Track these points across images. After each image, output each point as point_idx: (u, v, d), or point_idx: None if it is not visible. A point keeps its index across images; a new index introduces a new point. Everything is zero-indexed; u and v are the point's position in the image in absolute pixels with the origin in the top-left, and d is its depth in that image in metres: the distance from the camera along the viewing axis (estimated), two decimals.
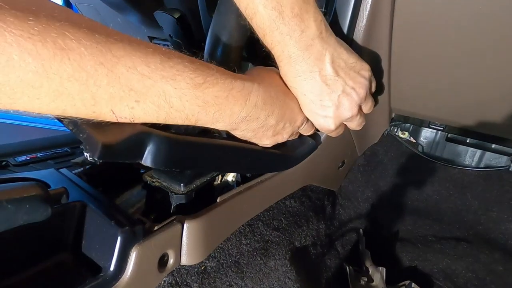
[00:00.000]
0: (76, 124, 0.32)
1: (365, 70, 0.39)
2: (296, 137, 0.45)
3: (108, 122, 0.27)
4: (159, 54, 0.25)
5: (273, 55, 0.35)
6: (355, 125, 0.42)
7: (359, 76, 0.38)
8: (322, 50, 0.34)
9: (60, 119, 0.37)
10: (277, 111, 0.35)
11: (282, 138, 0.40)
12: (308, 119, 0.40)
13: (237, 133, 0.36)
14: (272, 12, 0.31)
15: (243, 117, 0.32)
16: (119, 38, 0.23)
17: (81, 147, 0.30)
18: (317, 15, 0.33)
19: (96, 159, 0.28)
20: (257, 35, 0.34)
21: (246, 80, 0.32)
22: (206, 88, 0.28)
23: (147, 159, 0.32)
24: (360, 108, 0.40)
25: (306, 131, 0.43)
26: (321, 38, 0.34)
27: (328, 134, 0.43)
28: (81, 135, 0.31)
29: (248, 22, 0.34)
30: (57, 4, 0.23)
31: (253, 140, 0.38)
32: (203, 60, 0.45)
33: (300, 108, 0.38)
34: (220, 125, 0.32)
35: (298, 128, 0.41)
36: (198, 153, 0.37)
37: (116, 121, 0.26)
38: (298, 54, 0.33)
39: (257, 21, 0.32)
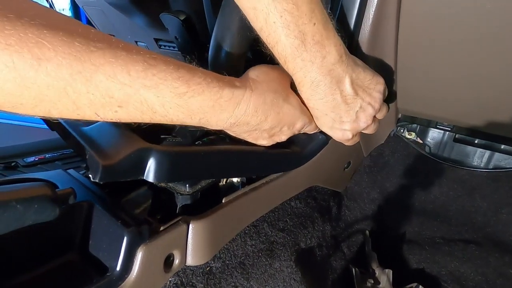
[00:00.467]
0: (78, 145, 0.33)
1: (380, 84, 0.40)
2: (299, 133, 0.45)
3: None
4: (142, 62, 0.25)
5: (293, 80, 0.36)
6: (370, 131, 0.43)
7: (374, 91, 0.39)
8: (342, 73, 0.35)
9: (63, 138, 0.38)
10: (271, 117, 0.35)
11: (280, 139, 0.39)
12: (310, 121, 0.40)
13: (231, 133, 0.36)
14: (294, 41, 0.31)
15: (232, 123, 0.32)
16: (100, 45, 0.23)
17: (84, 166, 0.31)
18: (336, 40, 0.33)
19: (97, 181, 0.29)
20: (278, 60, 0.34)
21: (237, 87, 0.31)
22: (190, 97, 0.27)
23: (148, 175, 0.32)
24: (374, 117, 0.41)
25: (310, 131, 0.43)
26: (341, 62, 0.34)
27: (345, 143, 0.44)
28: (83, 156, 0.31)
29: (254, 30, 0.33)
30: (38, 6, 0.22)
31: (249, 140, 0.38)
32: (208, 61, 0.45)
33: (301, 112, 0.38)
34: (208, 127, 0.32)
35: (298, 130, 0.41)
36: (200, 163, 0.37)
37: (103, 120, 0.26)
38: (320, 79, 0.34)
39: (278, 49, 0.32)
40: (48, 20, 0.22)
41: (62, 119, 0.26)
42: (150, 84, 0.25)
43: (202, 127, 0.32)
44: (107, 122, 0.37)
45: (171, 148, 0.33)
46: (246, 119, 0.33)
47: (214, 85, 0.29)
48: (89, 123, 0.39)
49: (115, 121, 0.27)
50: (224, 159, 0.39)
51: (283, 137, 0.39)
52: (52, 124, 0.41)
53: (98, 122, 0.38)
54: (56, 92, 0.22)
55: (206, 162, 0.37)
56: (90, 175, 0.29)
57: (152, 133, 0.40)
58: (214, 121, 0.31)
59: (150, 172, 0.32)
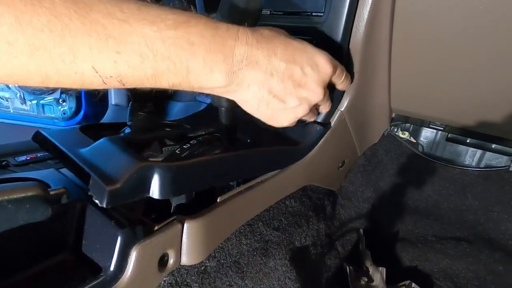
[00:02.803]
0: (78, 168, 0.32)
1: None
2: (328, 103, 0.40)
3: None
4: (135, 3, 0.25)
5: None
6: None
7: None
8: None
9: (62, 163, 0.37)
10: (280, 51, 0.31)
11: (313, 93, 0.33)
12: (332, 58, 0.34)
13: (250, 99, 0.32)
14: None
15: (239, 60, 0.29)
16: None
17: (89, 193, 0.31)
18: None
19: (105, 206, 0.29)
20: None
21: (230, 25, 0.30)
22: (188, 27, 0.27)
23: (154, 192, 0.32)
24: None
25: (340, 82, 0.37)
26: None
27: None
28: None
29: (250, 21, 0.33)
30: None
31: (275, 108, 0.33)
32: None
33: (316, 48, 0.33)
34: (217, 77, 0.29)
35: (328, 75, 0.34)
36: (203, 173, 0.37)
37: (103, 83, 0.25)
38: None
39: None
40: None
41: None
42: (146, 19, 0.25)
43: (207, 87, 0.29)
44: (104, 140, 0.37)
45: (172, 163, 0.33)
46: (253, 54, 0.30)
47: (209, 19, 0.28)
48: (85, 143, 0.38)
49: (116, 81, 0.25)
50: (226, 165, 0.39)
51: (312, 85, 0.33)
52: (49, 146, 0.41)
53: (95, 143, 0.38)
54: (52, 36, 0.21)
55: (209, 171, 0.37)
56: (97, 201, 0.30)
57: (149, 144, 0.40)
58: (220, 59, 0.28)
59: (154, 189, 0.32)
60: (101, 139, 0.38)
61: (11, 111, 1.45)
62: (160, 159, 0.41)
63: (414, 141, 0.82)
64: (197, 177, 0.36)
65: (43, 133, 0.42)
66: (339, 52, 0.49)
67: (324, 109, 0.43)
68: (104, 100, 1.50)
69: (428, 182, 0.82)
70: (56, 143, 0.38)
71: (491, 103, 0.53)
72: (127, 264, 0.34)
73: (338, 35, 0.47)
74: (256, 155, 0.42)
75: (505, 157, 0.72)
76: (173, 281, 0.42)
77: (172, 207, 0.43)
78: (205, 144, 0.46)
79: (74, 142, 0.39)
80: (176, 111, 1.42)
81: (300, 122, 0.41)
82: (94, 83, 0.25)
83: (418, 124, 0.79)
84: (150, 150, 0.41)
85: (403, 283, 0.66)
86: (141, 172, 0.31)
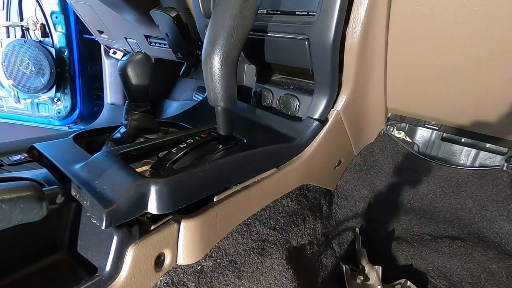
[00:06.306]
0: (79, 189, 0.32)
1: None
2: None
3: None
4: None
5: None
6: None
7: None
8: None
9: (58, 180, 0.37)
10: None
11: None
12: None
13: None
14: None
15: None
16: None
17: (88, 214, 0.31)
18: None
19: (103, 228, 0.29)
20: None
21: None
22: None
23: (152, 208, 0.33)
24: None
25: None
26: None
27: None
28: (84, 202, 0.31)
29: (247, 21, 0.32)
30: None
31: None
32: (201, 62, 0.45)
33: None
34: None
35: None
36: (201, 183, 0.37)
37: None
38: None
39: None
40: None
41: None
42: None
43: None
44: (99, 155, 0.37)
45: (169, 177, 0.34)
46: None
47: None
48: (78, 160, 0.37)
49: None
50: (224, 172, 0.39)
51: None
52: (44, 163, 0.41)
53: (91, 158, 0.38)
54: None
55: (206, 180, 0.37)
56: (96, 222, 0.30)
57: (144, 153, 0.39)
58: None
59: (152, 205, 0.33)
60: (97, 154, 0.38)
61: (5, 110, 1.44)
62: (154, 161, 0.41)
63: (410, 140, 0.82)
64: (195, 188, 0.36)
65: (38, 147, 0.42)
66: (331, 50, 0.49)
67: None
68: (100, 99, 1.49)
69: (423, 181, 0.82)
70: (52, 159, 0.38)
71: (486, 103, 0.54)
72: (123, 264, 0.34)
73: (330, 34, 0.48)
74: (253, 156, 0.42)
75: (499, 157, 0.73)
76: (170, 281, 0.42)
77: None
78: (201, 143, 0.46)
79: (69, 156, 0.39)
80: (172, 110, 1.41)
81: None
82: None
83: (414, 123, 0.79)
84: (146, 158, 0.41)
85: (399, 281, 0.66)
86: (137, 189, 0.31)
